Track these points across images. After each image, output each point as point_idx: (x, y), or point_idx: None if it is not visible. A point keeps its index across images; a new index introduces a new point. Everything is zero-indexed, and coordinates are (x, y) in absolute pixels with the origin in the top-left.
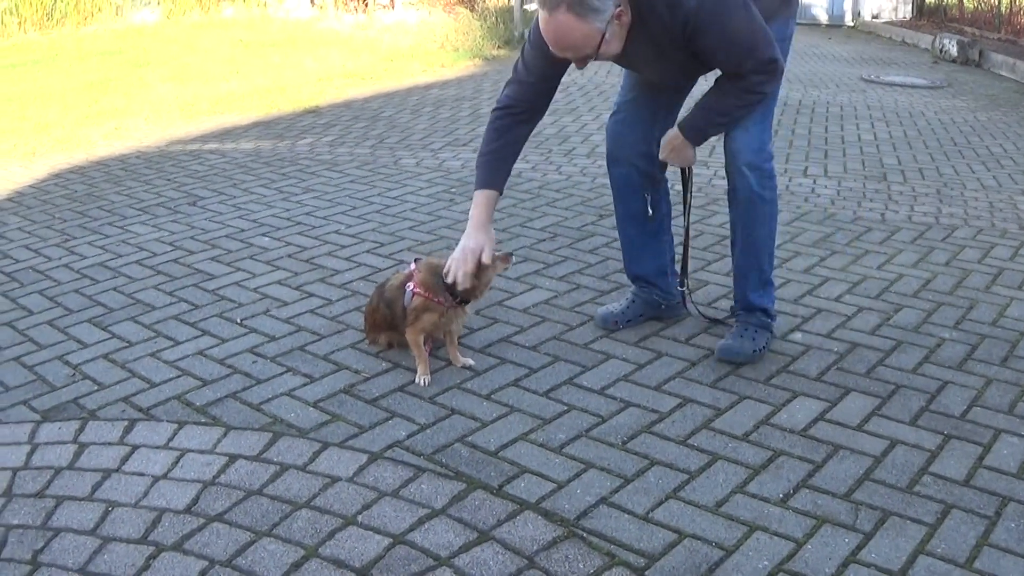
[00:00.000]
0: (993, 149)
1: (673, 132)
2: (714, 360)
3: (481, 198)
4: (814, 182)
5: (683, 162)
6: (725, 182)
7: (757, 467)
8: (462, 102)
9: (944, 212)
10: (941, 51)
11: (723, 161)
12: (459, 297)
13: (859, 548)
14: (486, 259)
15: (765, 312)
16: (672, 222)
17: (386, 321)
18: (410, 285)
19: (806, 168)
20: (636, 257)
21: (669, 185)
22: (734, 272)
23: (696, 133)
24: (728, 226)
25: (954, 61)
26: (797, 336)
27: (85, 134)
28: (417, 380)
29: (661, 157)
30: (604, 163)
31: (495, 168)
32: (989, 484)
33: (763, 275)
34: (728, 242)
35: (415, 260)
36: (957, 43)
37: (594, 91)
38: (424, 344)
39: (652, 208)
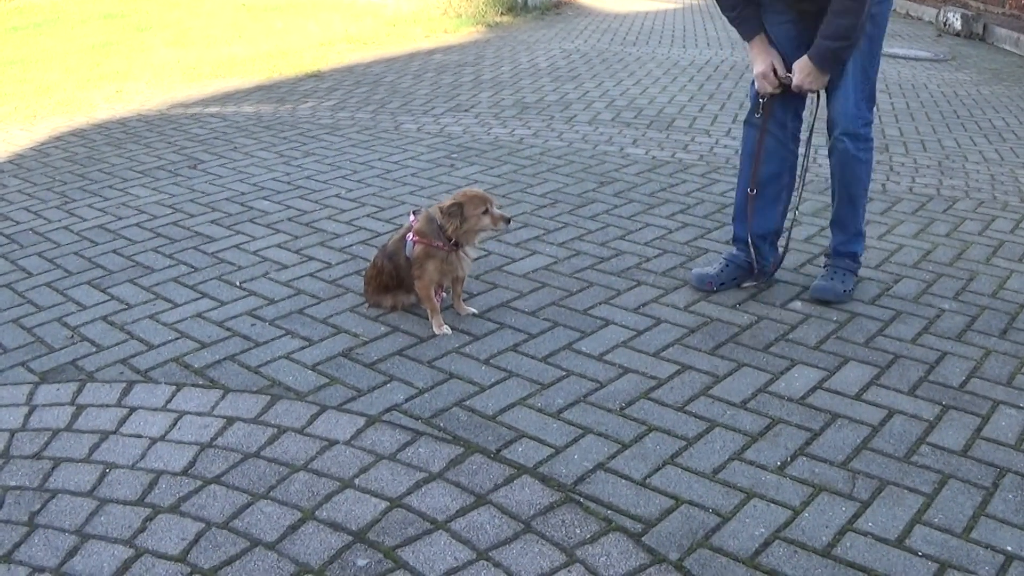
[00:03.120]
0: (995, 122)
1: (804, 61)
2: (713, 327)
3: (756, 43)
4: (816, 151)
5: (818, 85)
6: (727, 150)
7: (755, 434)
8: (464, 68)
9: (945, 184)
10: (945, 24)
11: (725, 129)
12: (453, 241)
13: (856, 517)
14: (779, 72)
15: (854, 257)
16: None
17: (392, 280)
18: (409, 236)
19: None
20: (742, 217)
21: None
22: (832, 222)
23: (822, 58)
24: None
25: (958, 35)
26: (797, 305)
27: (86, 97)
28: (435, 330)
29: (797, 82)
30: (605, 130)
31: (750, 21)
32: (987, 455)
33: (857, 225)
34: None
35: (413, 212)
36: (961, 16)
37: (596, 58)
38: (435, 296)
39: (760, 182)
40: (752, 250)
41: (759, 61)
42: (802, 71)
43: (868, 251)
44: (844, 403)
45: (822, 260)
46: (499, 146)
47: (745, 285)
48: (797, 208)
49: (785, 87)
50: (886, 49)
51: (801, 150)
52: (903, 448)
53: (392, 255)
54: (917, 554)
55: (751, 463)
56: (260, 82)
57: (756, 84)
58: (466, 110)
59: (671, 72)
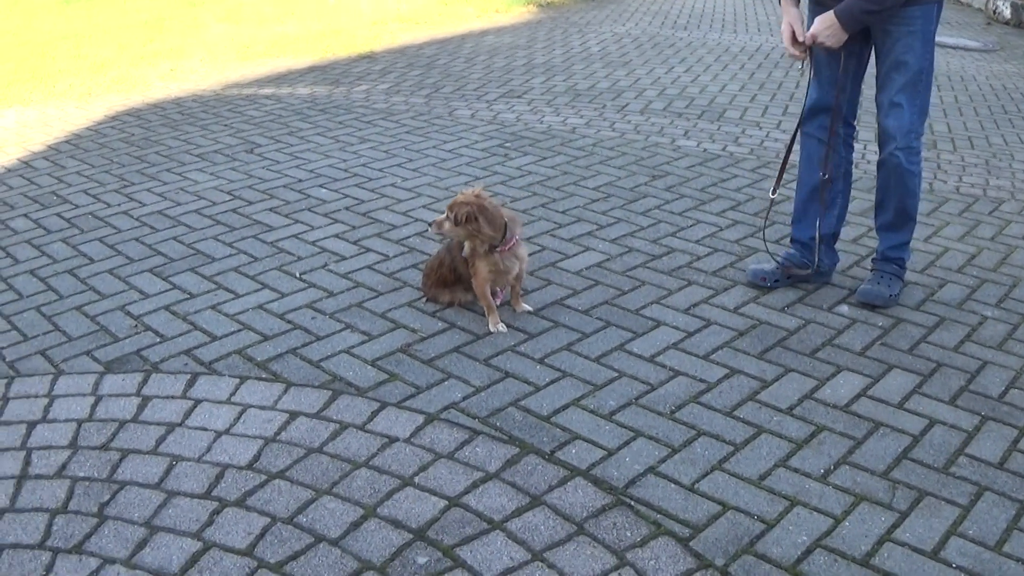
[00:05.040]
0: None
1: (828, 15)
2: (761, 330)
3: (783, 3)
4: (864, 147)
5: (833, 42)
6: (777, 144)
7: (800, 442)
8: (516, 51)
9: (992, 184)
10: (994, 12)
11: (776, 121)
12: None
13: (894, 527)
14: (798, 35)
15: (900, 263)
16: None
17: (452, 274)
18: None
19: (856, 133)
20: (801, 219)
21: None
22: (880, 228)
23: (849, 16)
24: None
25: (1007, 23)
26: (844, 309)
27: (141, 75)
28: (491, 328)
29: (813, 30)
30: (657, 120)
31: None
32: (1023, 467)
33: (908, 235)
34: (775, 211)
35: None
36: (1011, 5)
37: (648, 43)
38: (494, 296)
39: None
40: (808, 252)
41: (784, 20)
42: (823, 23)
43: (914, 254)
44: (887, 411)
45: (869, 263)
46: (552, 135)
47: (798, 285)
48: (819, 229)
49: (841, 77)
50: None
51: (849, 154)
52: (942, 459)
53: (452, 249)
54: (951, 566)
55: (796, 470)
56: (314, 62)
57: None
58: (519, 96)
59: (722, 59)
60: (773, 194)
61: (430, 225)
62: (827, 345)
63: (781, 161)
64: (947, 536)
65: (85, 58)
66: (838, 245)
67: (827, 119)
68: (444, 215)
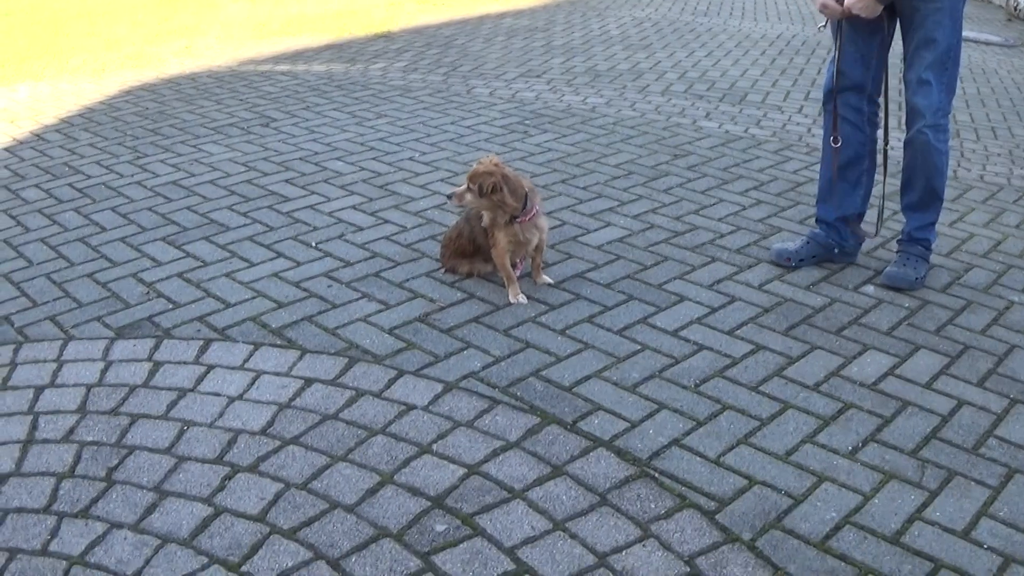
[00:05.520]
0: None
1: None
2: (786, 307)
3: None
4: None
5: (868, 13)
6: (799, 127)
7: (827, 418)
8: (535, 33)
9: (1016, 174)
10: (1016, 9)
11: (798, 106)
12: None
13: (924, 506)
14: None
15: (927, 244)
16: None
17: (470, 244)
18: None
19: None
20: (826, 199)
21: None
22: (906, 208)
23: None
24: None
25: None
26: (869, 289)
27: (155, 51)
28: (511, 299)
29: (848, 2)
30: (678, 101)
31: None
32: None
33: (935, 215)
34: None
35: None
36: None
37: (668, 27)
38: (514, 267)
39: (839, 167)
40: (834, 232)
41: None
42: None
43: (940, 238)
44: (915, 391)
45: (894, 245)
46: (572, 114)
47: (823, 265)
48: (884, 196)
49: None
50: None
51: (879, 135)
52: (971, 440)
53: (471, 219)
54: (982, 547)
55: (823, 447)
56: (330, 41)
57: (823, 14)
58: (538, 76)
59: (743, 45)
60: (836, 143)
61: (449, 197)
62: (853, 324)
63: (832, 118)
64: (978, 516)
65: (99, 35)
66: (863, 226)
67: (850, 96)
68: (464, 186)
